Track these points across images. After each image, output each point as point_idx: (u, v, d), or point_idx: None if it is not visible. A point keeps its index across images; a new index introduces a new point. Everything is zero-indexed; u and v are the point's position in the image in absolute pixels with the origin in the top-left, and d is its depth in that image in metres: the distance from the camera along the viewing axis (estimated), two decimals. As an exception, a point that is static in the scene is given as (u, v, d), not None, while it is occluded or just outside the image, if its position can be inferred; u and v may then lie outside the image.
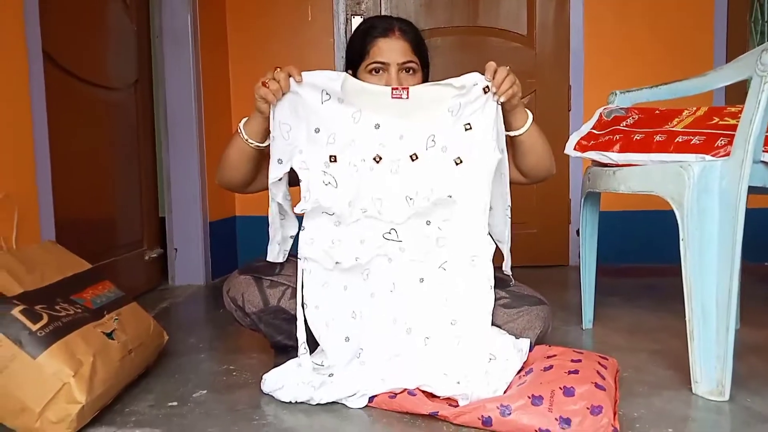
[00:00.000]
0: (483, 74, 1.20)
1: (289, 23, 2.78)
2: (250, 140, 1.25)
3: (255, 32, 2.78)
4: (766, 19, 3.08)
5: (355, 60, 1.35)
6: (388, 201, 1.21)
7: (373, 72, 1.32)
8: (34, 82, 1.38)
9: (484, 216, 1.20)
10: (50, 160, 1.45)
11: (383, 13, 2.73)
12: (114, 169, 2.07)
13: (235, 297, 1.36)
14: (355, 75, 1.35)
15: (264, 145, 1.26)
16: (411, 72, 1.33)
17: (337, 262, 1.20)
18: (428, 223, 1.22)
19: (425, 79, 1.39)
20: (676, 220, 1.20)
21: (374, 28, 1.34)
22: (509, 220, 1.28)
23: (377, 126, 1.20)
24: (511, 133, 1.27)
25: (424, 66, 1.37)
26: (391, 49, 1.30)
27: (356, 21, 2.74)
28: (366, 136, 1.20)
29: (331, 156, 1.20)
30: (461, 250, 1.20)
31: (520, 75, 2.78)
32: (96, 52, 1.95)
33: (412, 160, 1.21)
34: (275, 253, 1.30)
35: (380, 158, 1.20)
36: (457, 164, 1.20)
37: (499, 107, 1.21)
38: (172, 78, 2.38)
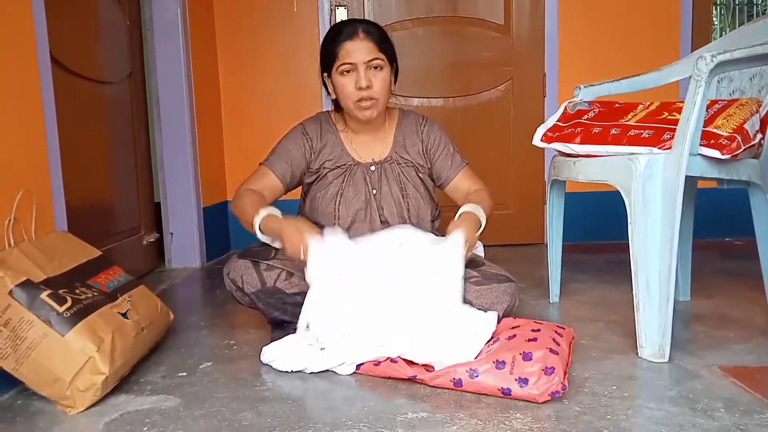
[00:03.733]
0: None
1: (275, 14, 2.87)
2: (262, 236, 1.45)
3: (242, 23, 2.87)
4: (728, 23, 3.23)
5: (328, 64, 1.53)
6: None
7: (344, 73, 1.49)
8: (44, 85, 1.49)
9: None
10: (60, 155, 1.57)
11: (366, 5, 2.84)
12: (112, 159, 2.19)
13: (235, 279, 1.51)
14: (329, 77, 1.53)
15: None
16: (378, 68, 1.50)
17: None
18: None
19: (395, 74, 1.57)
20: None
21: (340, 33, 1.50)
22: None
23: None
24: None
25: (391, 61, 1.55)
26: (357, 50, 1.47)
27: (340, 12, 2.85)
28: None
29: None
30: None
31: (498, 63, 2.97)
32: (94, 50, 2.05)
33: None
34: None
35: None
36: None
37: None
38: (164, 69, 2.48)
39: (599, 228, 2.84)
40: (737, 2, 4.12)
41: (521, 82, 2.89)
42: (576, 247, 2.63)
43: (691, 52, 2.84)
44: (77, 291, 1.26)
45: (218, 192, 2.86)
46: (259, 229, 1.43)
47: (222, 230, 2.89)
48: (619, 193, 1.38)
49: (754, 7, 4.25)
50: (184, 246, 2.57)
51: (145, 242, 2.41)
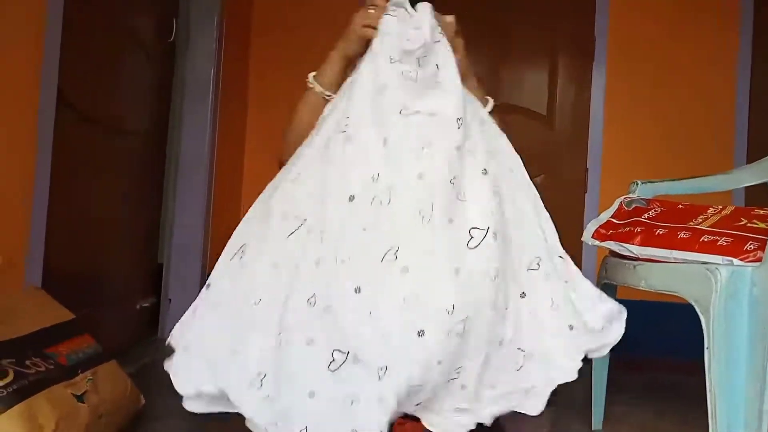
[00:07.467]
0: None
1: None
2: (326, 93, 1.09)
3: (276, 90, 2.79)
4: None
5: None
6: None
7: None
8: (43, 119, 1.36)
9: None
10: (48, 201, 1.41)
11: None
12: (116, 212, 2.03)
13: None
14: None
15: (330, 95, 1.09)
16: None
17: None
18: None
19: None
20: (695, 315, 1.13)
21: None
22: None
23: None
24: None
25: None
26: None
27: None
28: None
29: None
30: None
31: (537, 154, 2.82)
32: (114, 97, 1.94)
33: None
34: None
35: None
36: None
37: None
38: (189, 127, 2.38)
39: (641, 341, 2.54)
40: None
41: (561, 175, 2.72)
42: (616, 361, 2.34)
43: (747, 159, 2.66)
44: (27, 363, 1.04)
45: (227, 260, 2.66)
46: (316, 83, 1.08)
47: (225, 302, 2.67)
48: (673, 305, 1.15)
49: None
50: (182, 314, 2.34)
51: (138, 307, 2.19)
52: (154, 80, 2.22)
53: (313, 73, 1.11)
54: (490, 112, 1.07)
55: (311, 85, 1.09)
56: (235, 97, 2.66)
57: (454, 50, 0.98)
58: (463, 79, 0.99)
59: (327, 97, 1.08)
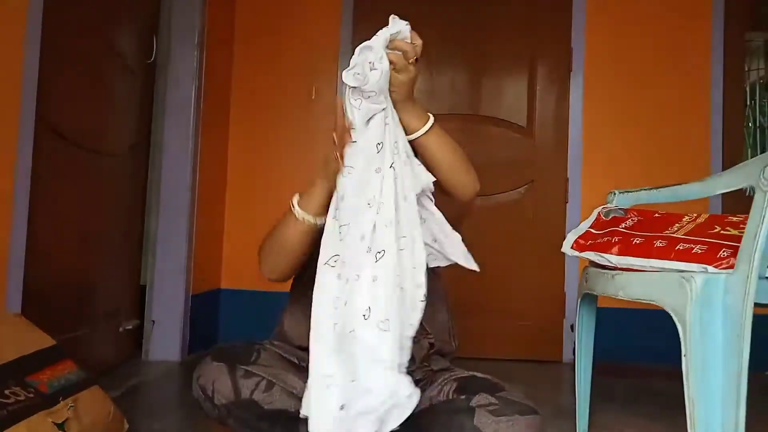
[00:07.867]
0: None
1: (293, 99, 2.81)
2: (307, 217, 1.14)
3: (258, 104, 2.81)
4: (758, 124, 3.15)
5: None
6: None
7: None
8: (22, 140, 1.35)
9: None
10: (28, 223, 1.40)
11: (385, 97, 2.78)
12: (97, 233, 2.01)
13: (205, 385, 1.25)
14: None
15: (322, 222, 1.14)
16: None
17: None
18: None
19: None
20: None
21: None
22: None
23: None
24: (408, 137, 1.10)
25: None
26: None
27: (358, 103, 2.79)
28: None
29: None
30: None
31: (518, 165, 2.86)
32: (94, 117, 1.94)
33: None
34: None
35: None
36: None
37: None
38: (171, 145, 2.37)
39: (626, 348, 2.57)
40: (760, 125, 4.06)
41: (542, 185, 2.75)
42: (600, 368, 2.36)
43: (722, 166, 2.72)
44: (6, 392, 1.03)
45: (211, 279, 2.65)
46: (299, 207, 1.14)
47: (210, 322, 2.65)
48: (656, 311, 1.17)
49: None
50: (166, 336, 2.33)
51: (121, 329, 2.18)
52: (134, 99, 2.22)
53: (297, 198, 1.15)
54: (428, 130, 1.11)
55: (294, 212, 1.13)
56: (217, 116, 2.66)
57: (407, 71, 1.02)
58: (406, 100, 1.06)
59: (310, 224, 1.14)
